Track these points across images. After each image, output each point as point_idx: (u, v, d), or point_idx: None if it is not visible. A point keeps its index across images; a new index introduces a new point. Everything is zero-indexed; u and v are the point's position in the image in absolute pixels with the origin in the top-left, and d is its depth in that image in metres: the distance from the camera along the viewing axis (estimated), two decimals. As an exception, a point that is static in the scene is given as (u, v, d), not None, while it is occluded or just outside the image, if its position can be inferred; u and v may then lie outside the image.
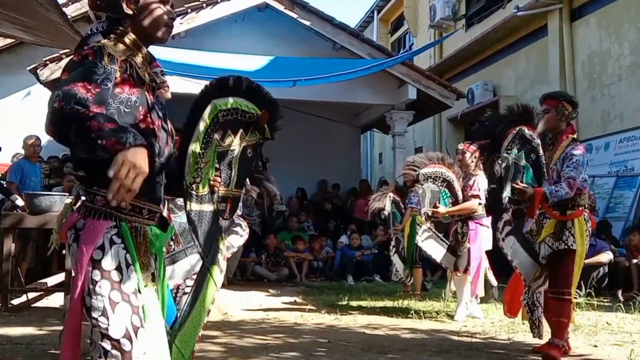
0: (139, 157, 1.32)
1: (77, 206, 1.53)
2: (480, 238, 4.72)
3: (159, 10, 1.58)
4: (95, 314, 1.42)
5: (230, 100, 1.82)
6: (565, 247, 3.28)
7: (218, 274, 1.83)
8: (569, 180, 3.22)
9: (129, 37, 1.54)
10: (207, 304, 1.80)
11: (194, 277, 1.94)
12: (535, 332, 3.53)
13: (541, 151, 3.38)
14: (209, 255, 1.82)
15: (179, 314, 1.80)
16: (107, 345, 1.40)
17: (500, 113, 3.51)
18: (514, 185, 3.28)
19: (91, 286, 1.43)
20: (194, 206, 1.79)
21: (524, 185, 3.26)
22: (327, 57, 8.22)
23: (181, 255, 2.87)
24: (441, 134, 12.37)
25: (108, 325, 1.41)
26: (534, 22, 9.68)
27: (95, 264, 1.44)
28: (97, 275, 1.43)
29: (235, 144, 1.85)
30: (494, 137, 3.41)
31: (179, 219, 3.24)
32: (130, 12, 1.55)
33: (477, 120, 3.58)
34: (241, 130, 1.85)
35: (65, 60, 6.87)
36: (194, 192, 1.78)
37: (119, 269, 1.46)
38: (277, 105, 1.91)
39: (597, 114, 8.49)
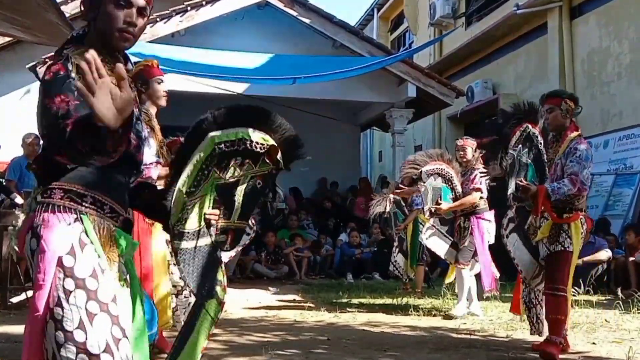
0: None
1: (33, 208, 1.42)
2: (484, 233, 4.72)
3: (114, 14, 1.44)
4: (69, 327, 1.30)
5: (232, 132, 1.66)
6: (562, 248, 3.31)
7: (216, 307, 1.70)
8: (572, 176, 3.23)
9: (99, 45, 1.46)
10: (201, 340, 1.69)
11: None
12: (534, 329, 3.54)
13: (543, 149, 3.41)
14: (203, 291, 1.70)
15: (170, 351, 1.70)
16: None
17: (508, 111, 3.57)
18: (518, 182, 3.31)
19: (63, 295, 1.31)
20: (185, 244, 1.67)
21: (527, 182, 3.30)
22: (327, 55, 8.22)
23: None
24: (441, 132, 12.38)
25: (86, 339, 1.30)
26: (534, 20, 9.67)
27: (67, 271, 1.33)
28: (70, 284, 1.33)
29: (239, 175, 1.70)
30: (502, 135, 3.45)
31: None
32: (88, 18, 1.49)
33: (485, 118, 3.64)
34: (247, 161, 1.69)
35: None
36: (184, 230, 1.66)
37: (94, 275, 1.36)
38: (295, 135, 1.74)
39: (596, 112, 8.49)
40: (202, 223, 1.70)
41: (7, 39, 8.00)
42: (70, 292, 1.32)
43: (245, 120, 1.70)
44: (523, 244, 3.46)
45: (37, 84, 8.37)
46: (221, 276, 1.75)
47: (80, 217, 1.39)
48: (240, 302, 5.52)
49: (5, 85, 8.76)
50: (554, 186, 3.22)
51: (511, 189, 3.36)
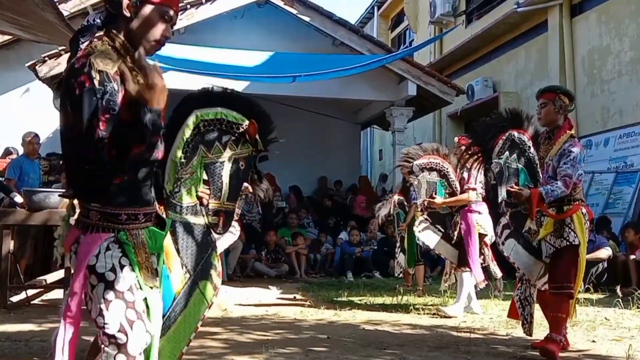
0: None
1: (76, 220, 1.55)
2: (472, 225, 4.71)
3: (156, 25, 1.54)
4: (110, 331, 1.46)
5: (213, 110, 1.79)
6: (567, 243, 3.29)
7: (210, 290, 1.77)
8: (565, 178, 3.23)
9: (119, 40, 1.52)
10: (194, 320, 1.74)
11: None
12: (527, 328, 3.53)
13: (533, 151, 3.41)
14: (197, 270, 1.76)
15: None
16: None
17: (489, 120, 3.56)
18: (509, 189, 3.30)
19: (104, 306, 1.46)
20: (178, 217, 1.75)
21: (519, 187, 3.29)
22: (327, 53, 8.21)
23: None
24: (441, 131, 12.36)
25: (127, 340, 1.46)
26: (534, 18, 9.65)
27: (109, 284, 1.48)
28: (110, 295, 1.47)
29: (225, 156, 1.81)
30: (485, 145, 3.44)
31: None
32: (128, 14, 1.51)
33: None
34: (230, 142, 1.81)
35: (65, 57, 6.85)
36: (178, 203, 1.75)
37: (131, 290, 1.50)
38: (268, 116, 1.86)
39: (596, 110, 8.48)
40: (196, 199, 1.79)
41: (7, 37, 7.99)
42: (110, 301, 1.47)
43: (225, 102, 1.83)
44: (523, 248, 3.44)
45: (37, 82, 8.42)
46: (216, 261, 1.82)
47: (117, 237, 1.51)
48: (241, 301, 5.52)
49: (4, 84, 8.76)
50: (548, 189, 3.21)
51: (501, 196, 3.35)
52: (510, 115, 3.46)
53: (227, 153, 1.82)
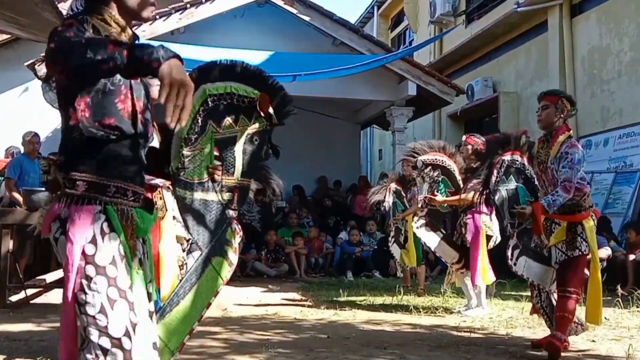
0: (179, 72, 1.25)
1: (58, 195, 1.48)
2: (480, 226, 4.68)
3: None
4: (91, 311, 1.38)
5: (223, 85, 1.72)
6: (580, 253, 3.38)
7: (225, 267, 1.71)
8: (565, 183, 3.26)
9: (110, 16, 1.51)
10: (206, 296, 1.69)
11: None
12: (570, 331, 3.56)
13: (529, 167, 3.49)
14: (210, 246, 1.72)
15: (164, 303, 1.70)
16: (106, 343, 1.37)
17: (484, 154, 3.69)
18: (511, 211, 3.40)
19: (85, 282, 1.39)
20: (188, 193, 1.70)
21: (521, 207, 3.38)
22: (327, 53, 8.21)
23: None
24: (441, 130, 12.36)
25: (107, 323, 1.38)
26: (534, 18, 9.65)
27: (88, 258, 1.40)
28: (91, 271, 1.40)
29: (236, 130, 1.74)
30: (484, 180, 3.53)
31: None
32: None
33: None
34: (242, 116, 1.74)
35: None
36: (187, 180, 1.68)
37: (113, 263, 1.42)
38: (281, 87, 1.77)
39: (596, 110, 8.48)
40: (207, 176, 1.74)
41: (6, 36, 7.99)
42: (92, 278, 1.39)
43: (235, 76, 1.75)
44: (533, 260, 3.51)
45: (36, 81, 8.43)
46: (231, 237, 1.77)
47: (105, 208, 1.44)
48: (241, 300, 5.51)
49: (3, 83, 8.75)
50: (549, 200, 3.26)
51: (506, 220, 3.47)
52: (501, 140, 3.58)
53: (240, 128, 1.75)
